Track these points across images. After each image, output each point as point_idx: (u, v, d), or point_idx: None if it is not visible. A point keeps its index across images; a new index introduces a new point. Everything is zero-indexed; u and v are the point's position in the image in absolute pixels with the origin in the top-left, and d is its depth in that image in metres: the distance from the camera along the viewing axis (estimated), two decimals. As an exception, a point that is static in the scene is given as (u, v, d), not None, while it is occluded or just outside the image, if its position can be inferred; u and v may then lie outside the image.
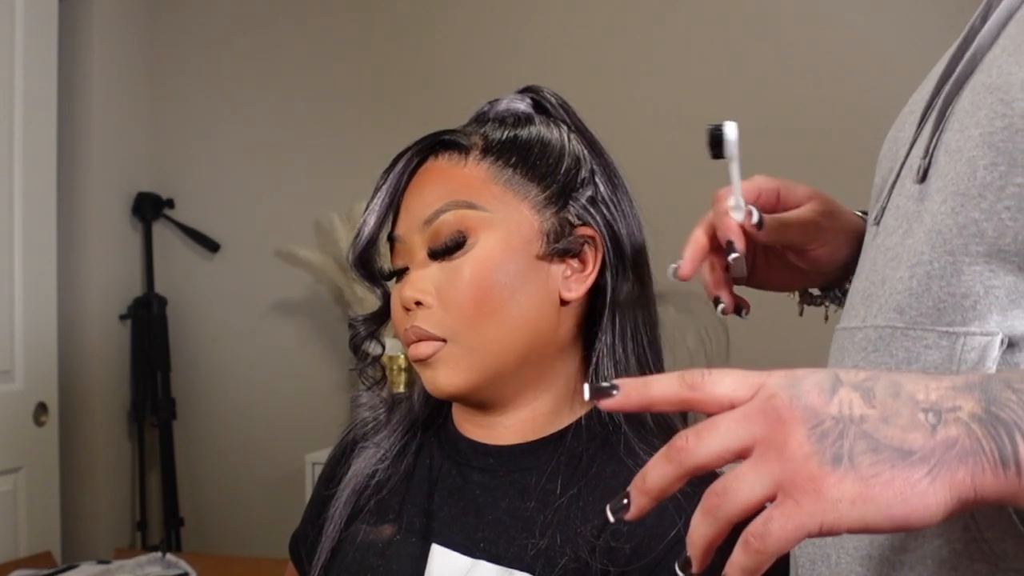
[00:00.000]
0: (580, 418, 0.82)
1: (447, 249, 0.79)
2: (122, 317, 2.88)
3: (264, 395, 2.92)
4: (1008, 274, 0.53)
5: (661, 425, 0.82)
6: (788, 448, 0.45)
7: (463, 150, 0.82)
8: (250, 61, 2.95)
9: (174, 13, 3.02)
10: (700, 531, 0.48)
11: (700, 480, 0.74)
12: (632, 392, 0.50)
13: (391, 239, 0.84)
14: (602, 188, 0.83)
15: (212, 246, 2.97)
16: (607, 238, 0.82)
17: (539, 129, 0.83)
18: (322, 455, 2.49)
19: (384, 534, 0.85)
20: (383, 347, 0.89)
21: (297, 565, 0.96)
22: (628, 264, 0.83)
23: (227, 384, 2.96)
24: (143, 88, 3.00)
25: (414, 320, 0.80)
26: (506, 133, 0.83)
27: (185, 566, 1.96)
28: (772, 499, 0.46)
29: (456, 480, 0.84)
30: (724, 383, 0.48)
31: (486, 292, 0.78)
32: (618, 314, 0.82)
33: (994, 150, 0.54)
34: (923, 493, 0.43)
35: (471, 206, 0.79)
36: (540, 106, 0.86)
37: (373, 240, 0.83)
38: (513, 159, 0.81)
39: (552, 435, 0.82)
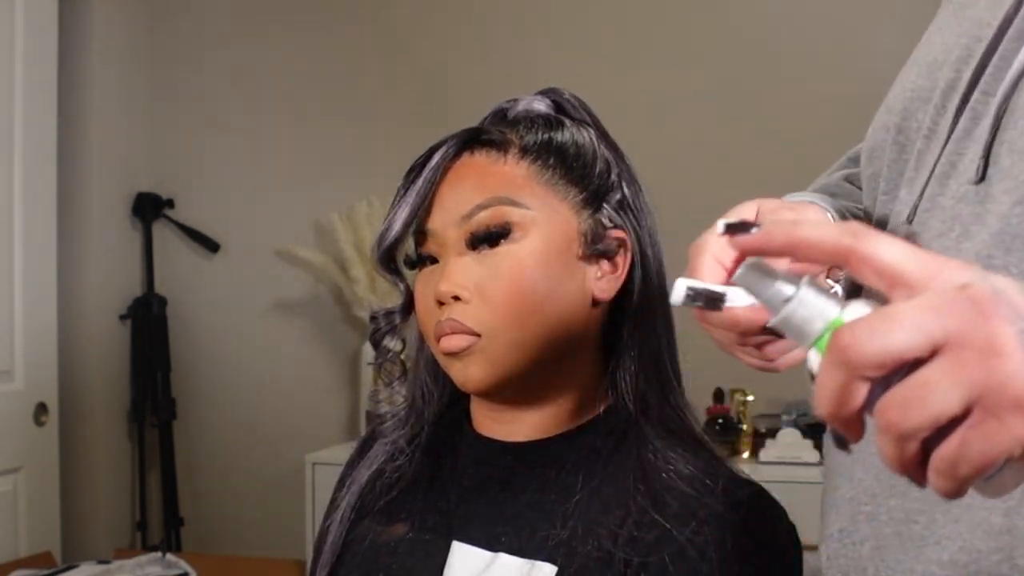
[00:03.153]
0: (599, 414, 0.83)
1: (490, 236, 0.79)
2: (122, 317, 2.88)
3: (264, 395, 2.92)
4: None
5: (680, 423, 0.82)
6: (993, 353, 0.36)
7: (501, 148, 0.82)
8: (250, 61, 2.95)
9: (174, 13, 3.02)
10: (883, 450, 0.39)
11: (716, 473, 0.75)
12: (777, 232, 0.43)
13: (420, 232, 0.83)
14: (627, 191, 0.85)
15: (212, 246, 2.96)
16: (633, 239, 0.83)
17: (571, 132, 0.84)
18: (322, 455, 2.48)
19: (396, 533, 0.85)
20: (403, 343, 0.89)
21: None
22: (651, 265, 0.84)
23: (227, 384, 2.96)
24: (143, 88, 3.00)
25: (449, 313, 0.79)
26: (541, 135, 0.83)
27: (185, 566, 1.96)
28: (965, 414, 0.37)
29: (474, 478, 0.85)
30: (892, 249, 0.39)
31: (527, 290, 0.78)
32: (641, 315, 0.83)
33: None
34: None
35: (514, 203, 0.80)
36: (562, 108, 0.87)
37: (404, 233, 0.82)
38: (552, 160, 0.82)
39: (572, 430, 0.83)
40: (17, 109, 2.39)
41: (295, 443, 2.79)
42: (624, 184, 0.84)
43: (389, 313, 0.87)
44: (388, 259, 0.83)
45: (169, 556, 1.98)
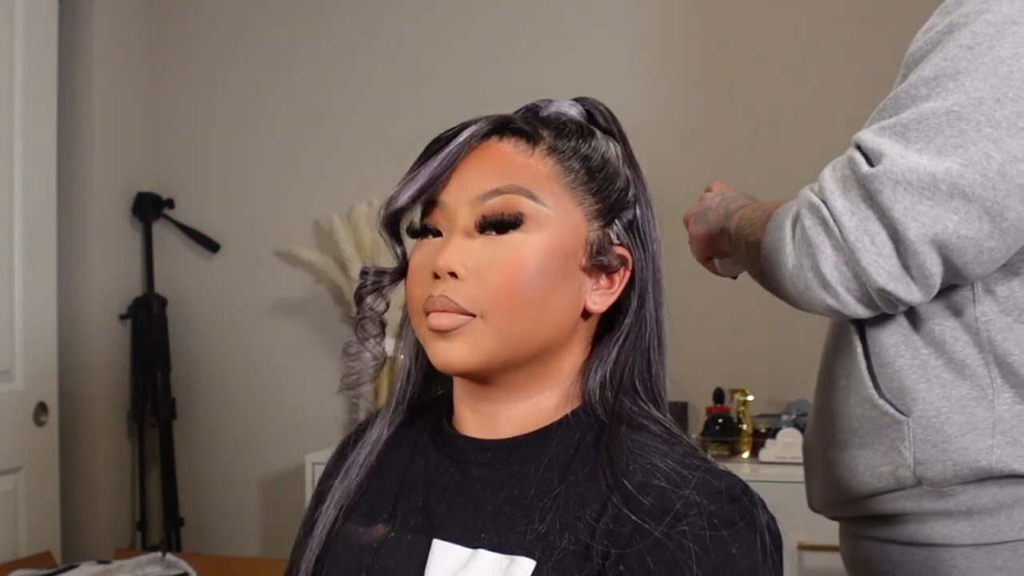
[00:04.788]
0: (577, 408, 0.84)
1: (502, 224, 0.79)
2: (122, 317, 2.88)
3: (264, 395, 2.92)
4: None
5: (654, 417, 0.82)
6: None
7: (531, 141, 0.83)
8: (250, 61, 2.95)
9: (174, 13, 3.02)
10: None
11: (693, 465, 0.75)
12: None
13: (430, 203, 0.83)
14: (639, 213, 0.85)
15: (212, 246, 2.97)
16: (637, 262, 0.84)
17: (601, 143, 0.85)
18: (322, 455, 2.49)
19: (377, 534, 0.85)
20: (387, 305, 0.88)
21: None
22: (648, 287, 0.85)
23: (227, 384, 2.97)
24: (143, 88, 3.00)
25: (443, 290, 0.79)
26: (573, 139, 0.84)
27: (185, 566, 1.96)
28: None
29: (454, 476, 0.85)
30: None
31: (526, 283, 0.78)
32: (631, 333, 0.84)
33: None
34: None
35: (531, 196, 0.80)
36: (593, 118, 0.88)
37: (416, 200, 0.82)
38: (577, 165, 0.83)
39: (549, 426, 0.83)
40: (17, 109, 2.39)
41: (295, 443, 2.79)
42: (638, 206, 0.85)
43: (380, 272, 0.87)
44: (393, 222, 0.83)
45: (169, 556, 1.98)
